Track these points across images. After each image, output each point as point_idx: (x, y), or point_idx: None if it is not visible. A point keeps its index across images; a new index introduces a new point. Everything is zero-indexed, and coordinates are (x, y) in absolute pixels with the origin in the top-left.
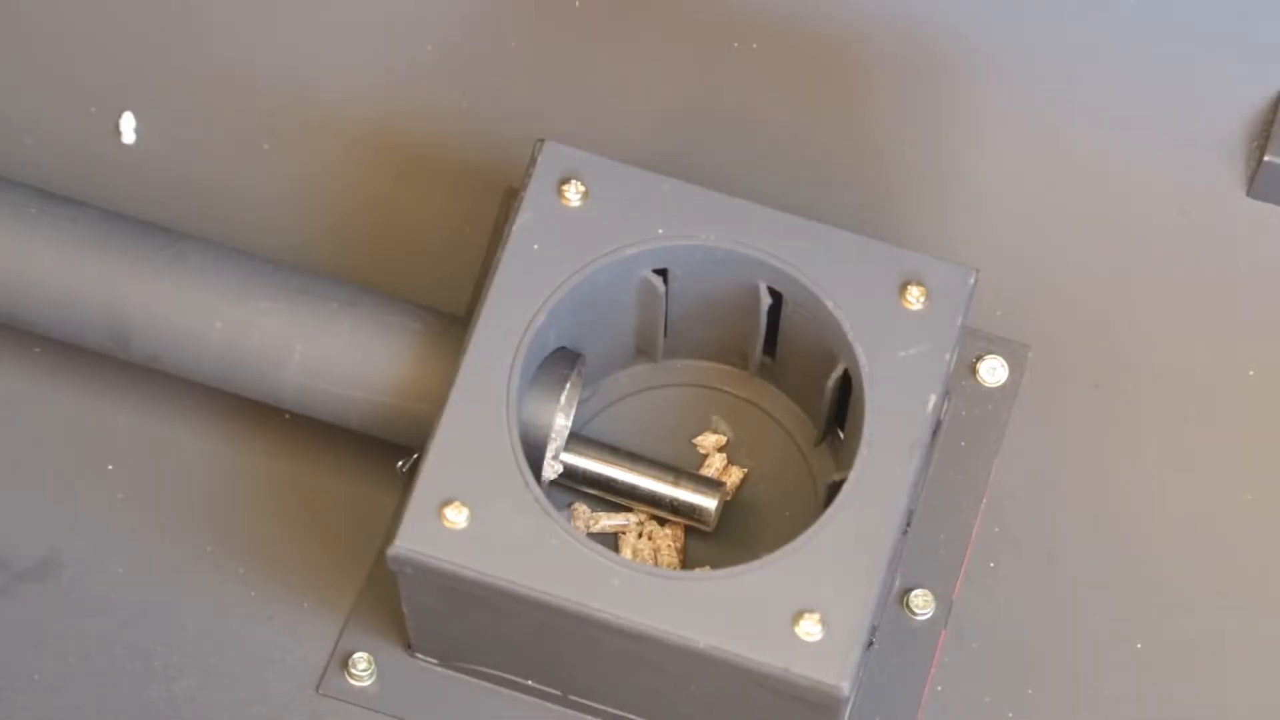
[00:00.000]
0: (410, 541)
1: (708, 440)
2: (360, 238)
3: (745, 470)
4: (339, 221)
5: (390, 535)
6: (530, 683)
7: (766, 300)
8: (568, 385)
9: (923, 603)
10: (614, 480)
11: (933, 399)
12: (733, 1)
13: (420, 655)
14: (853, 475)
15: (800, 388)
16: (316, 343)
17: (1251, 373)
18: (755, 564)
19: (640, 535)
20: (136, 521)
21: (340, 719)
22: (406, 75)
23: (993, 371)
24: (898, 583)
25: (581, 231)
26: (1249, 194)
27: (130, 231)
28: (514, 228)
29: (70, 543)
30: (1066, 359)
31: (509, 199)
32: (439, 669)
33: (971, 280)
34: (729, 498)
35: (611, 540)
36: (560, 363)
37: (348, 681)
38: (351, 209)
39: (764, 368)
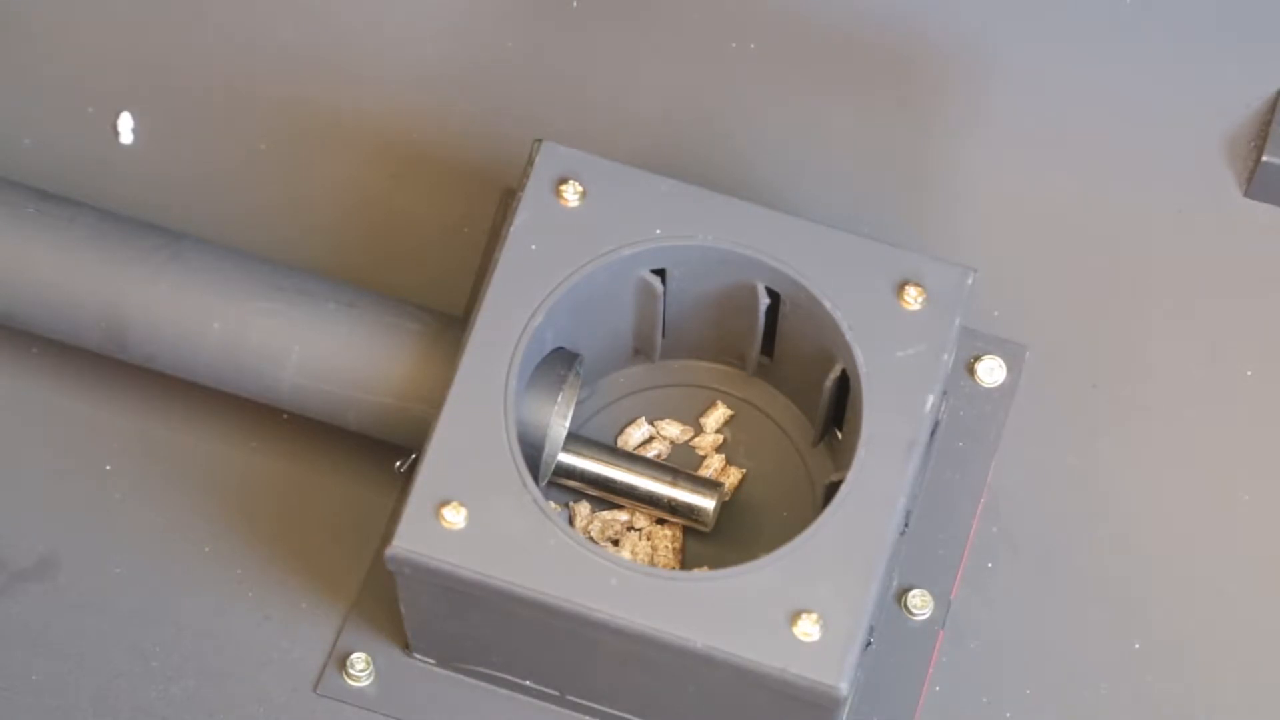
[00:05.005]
0: (408, 542)
1: (709, 420)
2: (358, 238)
3: (743, 470)
4: (336, 221)
5: (388, 535)
6: (528, 683)
7: (764, 300)
8: (565, 385)
9: (921, 603)
10: (612, 480)
11: (930, 399)
12: (732, 1)
13: (418, 655)
14: (850, 475)
15: (798, 388)
16: (314, 343)
17: (1249, 373)
18: (753, 564)
19: (639, 535)
20: (134, 522)
21: (338, 719)
22: (405, 75)
23: (990, 372)
24: (895, 583)
25: (579, 231)
26: (1246, 194)
27: (128, 231)
28: (512, 228)
29: (68, 543)
30: (1064, 359)
31: (507, 199)
32: (437, 669)
33: (969, 280)
34: (727, 498)
35: (610, 540)
36: (558, 363)
37: (345, 682)
38: (349, 209)
39: (762, 368)
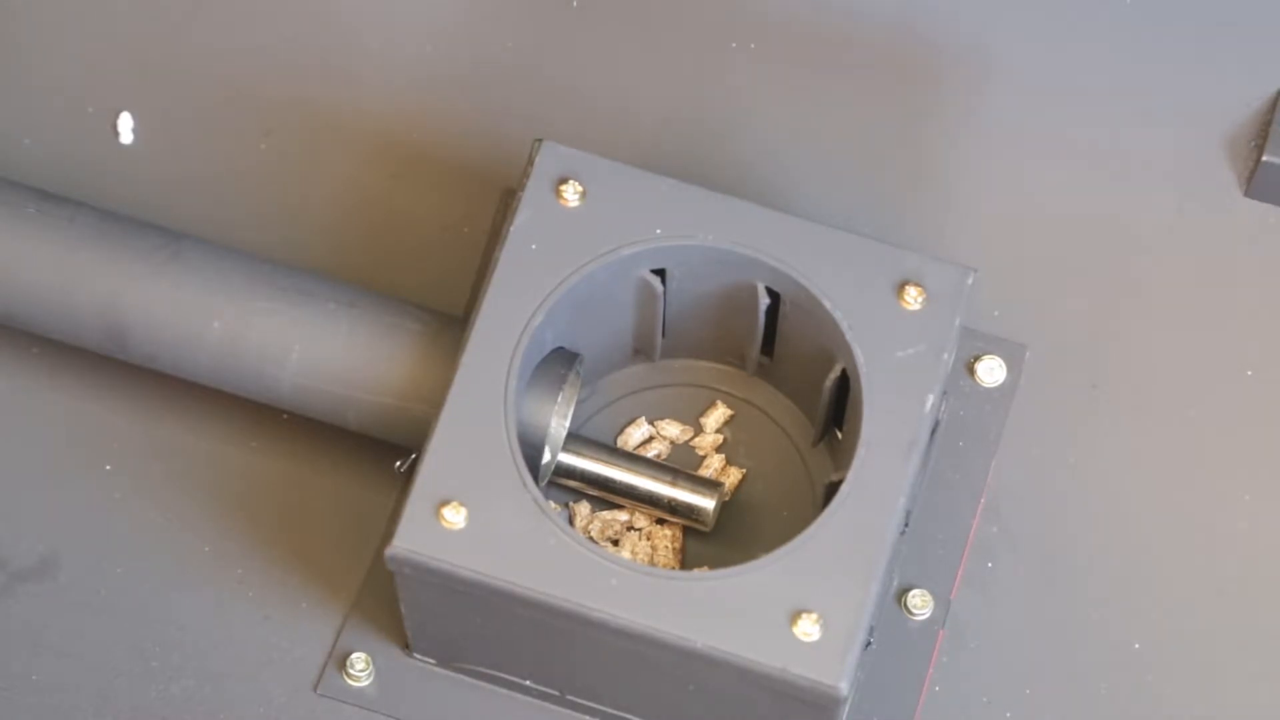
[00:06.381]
0: (408, 542)
1: (709, 419)
2: (358, 238)
3: (743, 470)
4: (337, 221)
5: (388, 535)
6: (528, 683)
7: (764, 300)
8: (565, 385)
9: (921, 603)
10: (612, 480)
11: (930, 399)
12: (732, 1)
13: (418, 655)
14: (850, 475)
15: (798, 388)
16: (314, 343)
17: (1249, 373)
18: (753, 564)
19: (639, 535)
20: (134, 522)
21: (338, 719)
22: (405, 75)
23: (990, 371)
24: (896, 583)
25: (579, 231)
26: (1247, 194)
27: (128, 231)
28: (512, 227)
29: (69, 543)
30: (1064, 359)
31: (507, 199)
32: (437, 669)
33: (969, 280)
34: (727, 498)
35: (610, 540)
36: (558, 363)
37: (345, 682)
38: (349, 209)
39: (762, 368)
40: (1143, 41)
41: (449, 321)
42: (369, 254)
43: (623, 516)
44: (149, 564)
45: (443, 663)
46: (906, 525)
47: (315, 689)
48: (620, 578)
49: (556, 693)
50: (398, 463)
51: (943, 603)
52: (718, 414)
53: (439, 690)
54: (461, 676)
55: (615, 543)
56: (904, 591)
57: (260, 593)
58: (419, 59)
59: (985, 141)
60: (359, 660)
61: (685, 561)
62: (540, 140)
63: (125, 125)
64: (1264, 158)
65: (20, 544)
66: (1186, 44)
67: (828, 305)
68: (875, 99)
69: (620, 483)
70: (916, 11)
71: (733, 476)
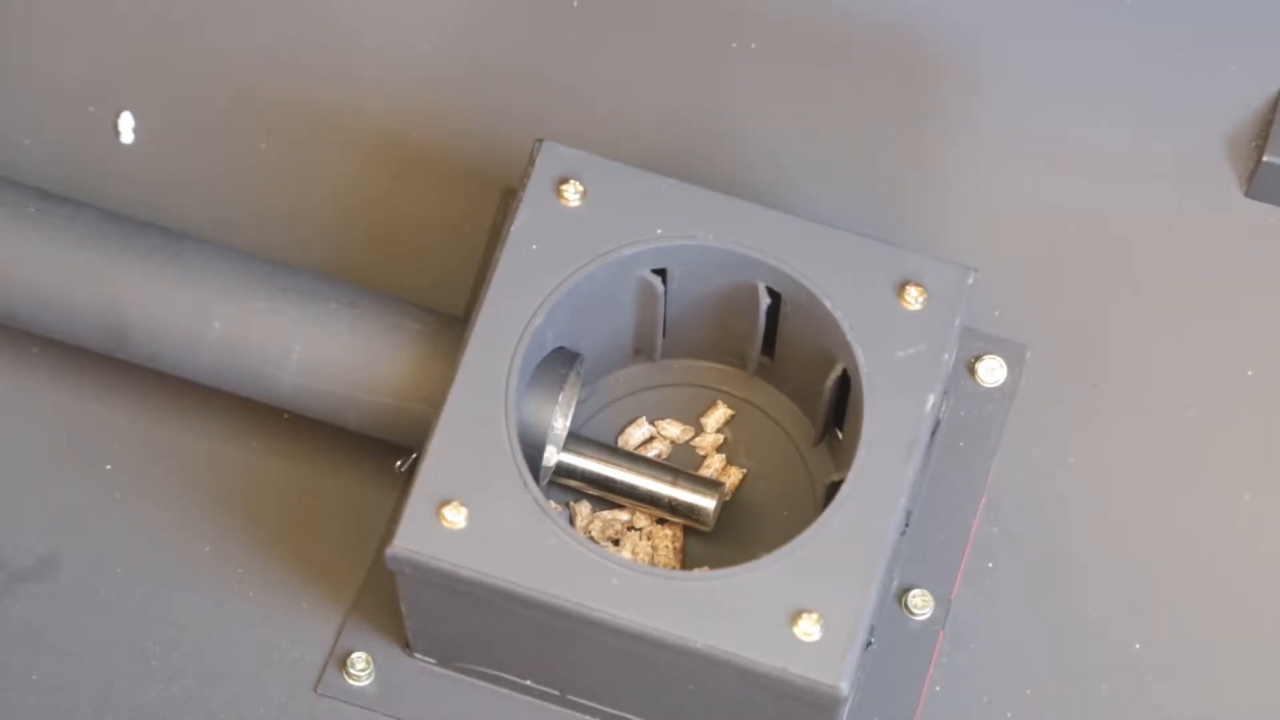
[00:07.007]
0: (409, 541)
1: (709, 419)
2: (358, 238)
3: (744, 470)
4: (337, 221)
5: (389, 535)
6: (529, 683)
7: (765, 300)
8: (566, 385)
9: (921, 603)
10: (613, 480)
11: (931, 399)
12: (732, 1)
13: (419, 655)
14: (851, 475)
15: (799, 388)
16: (314, 342)
17: (1250, 373)
18: (753, 564)
19: (640, 535)
20: (135, 521)
21: (338, 719)
22: (405, 75)
23: (991, 371)
24: (896, 583)
25: (580, 231)
26: (1247, 194)
27: (128, 231)
28: (512, 227)
29: (69, 543)
30: (1065, 359)
31: (507, 199)
32: (437, 669)
33: (969, 280)
34: (727, 498)
35: (611, 540)
36: (559, 362)
37: (346, 681)
38: (350, 209)
39: (762, 368)
40: (1142, 41)
41: (449, 321)
42: (369, 254)
43: (623, 516)
44: (149, 564)
45: (443, 663)
46: (907, 525)
47: (315, 689)
48: (621, 577)
49: (556, 693)
50: (398, 463)
51: (943, 603)
52: (718, 414)
53: (439, 690)
54: (461, 676)
55: (616, 542)
56: (904, 591)
57: (260, 593)
58: (419, 59)
59: (985, 141)
60: (359, 660)
61: (686, 561)
62: (541, 140)
63: (126, 125)
64: (1264, 158)
65: (20, 544)
66: (1186, 44)
67: (828, 305)
68: (875, 99)
69: (621, 482)
70: (916, 12)
71: (733, 476)
